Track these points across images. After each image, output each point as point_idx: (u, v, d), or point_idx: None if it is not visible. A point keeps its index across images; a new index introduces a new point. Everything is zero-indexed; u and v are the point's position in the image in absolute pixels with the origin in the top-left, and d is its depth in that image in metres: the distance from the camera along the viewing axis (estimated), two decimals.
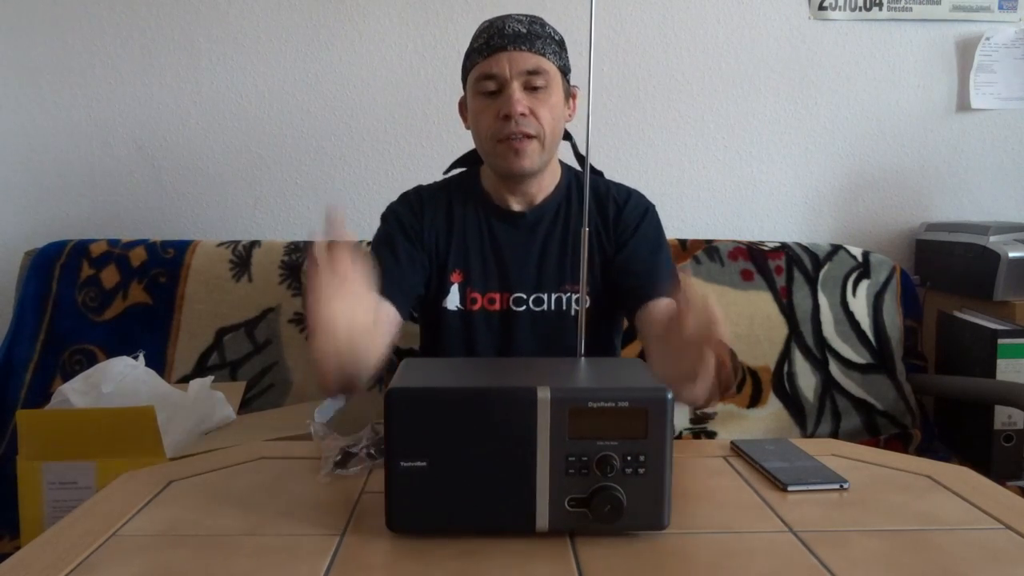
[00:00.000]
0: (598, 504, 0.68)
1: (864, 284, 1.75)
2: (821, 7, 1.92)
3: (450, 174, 1.36)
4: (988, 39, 1.94)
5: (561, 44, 1.23)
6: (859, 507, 0.78)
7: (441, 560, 0.67)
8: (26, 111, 1.88)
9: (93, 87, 1.88)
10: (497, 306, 1.26)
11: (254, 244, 1.73)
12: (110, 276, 1.68)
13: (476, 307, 1.26)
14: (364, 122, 1.91)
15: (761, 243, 1.78)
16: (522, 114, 1.16)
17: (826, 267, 1.75)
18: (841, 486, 0.83)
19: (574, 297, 1.26)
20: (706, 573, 0.65)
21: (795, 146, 1.97)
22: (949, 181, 2.00)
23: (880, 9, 1.92)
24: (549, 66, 1.19)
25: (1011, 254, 1.67)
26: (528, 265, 1.27)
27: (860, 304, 1.74)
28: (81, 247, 1.71)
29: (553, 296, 1.26)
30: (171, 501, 0.81)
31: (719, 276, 1.72)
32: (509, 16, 1.21)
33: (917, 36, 1.94)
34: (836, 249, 1.78)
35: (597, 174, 1.37)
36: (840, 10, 1.92)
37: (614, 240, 1.29)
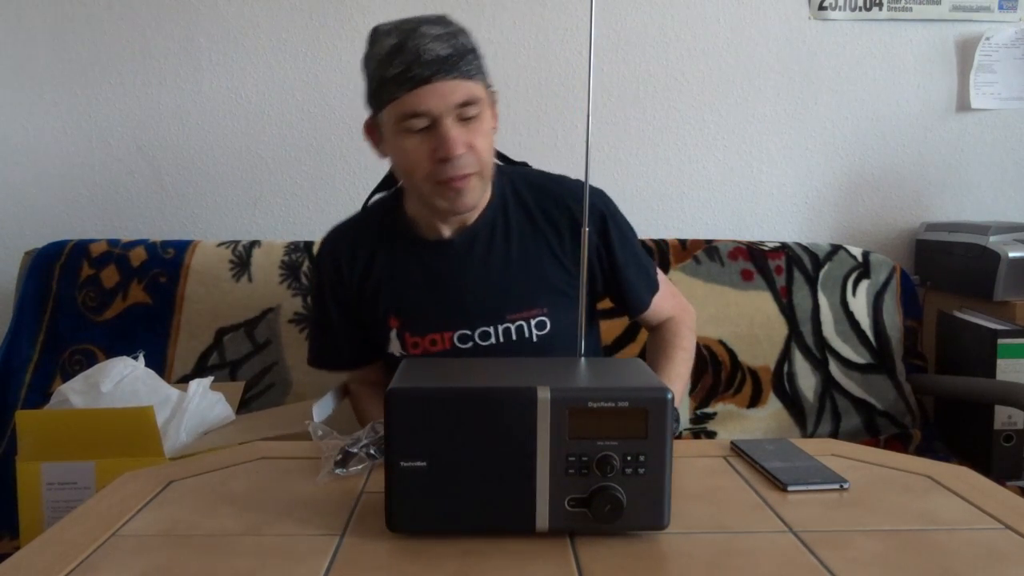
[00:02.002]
0: (598, 504, 0.68)
1: (864, 284, 1.75)
2: (821, 7, 1.92)
3: (371, 202, 1.27)
4: (988, 39, 1.94)
5: (478, 51, 1.09)
6: (859, 507, 0.78)
7: (441, 560, 0.67)
8: (26, 111, 1.88)
9: (93, 87, 1.88)
10: (440, 347, 1.16)
11: (254, 244, 1.73)
12: (110, 276, 1.68)
13: (418, 351, 1.16)
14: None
15: (761, 243, 1.78)
16: (462, 154, 1.05)
17: (826, 267, 1.75)
18: (841, 486, 0.82)
19: (532, 323, 1.15)
20: (706, 573, 0.65)
21: (795, 146, 1.97)
22: (949, 181, 1.99)
23: (880, 9, 1.92)
24: (479, 90, 1.07)
25: (1011, 254, 1.67)
26: (466, 297, 1.15)
27: (860, 304, 1.74)
28: (81, 247, 1.71)
29: (500, 328, 1.14)
30: (171, 501, 0.81)
31: (719, 276, 1.72)
32: (419, 31, 1.04)
33: (917, 36, 1.94)
34: (836, 249, 1.78)
35: (521, 165, 1.27)
36: (840, 10, 1.92)
37: (575, 251, 1.17)
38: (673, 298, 1.32)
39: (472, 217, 1.17)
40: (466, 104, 1.05)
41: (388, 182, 1.26)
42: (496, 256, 1.17)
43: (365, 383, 1.31)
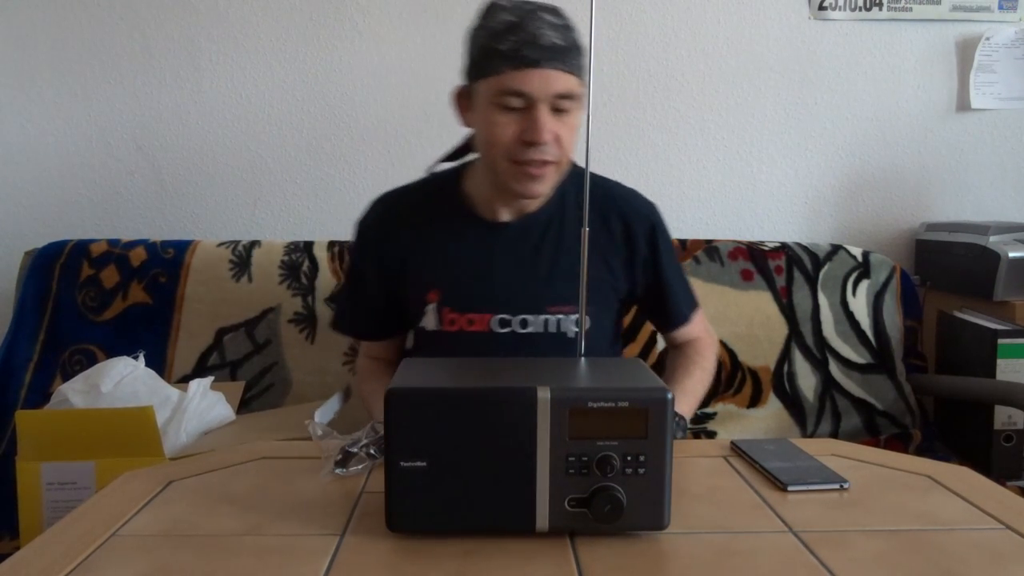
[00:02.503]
0: (598, 504, 0.68)
1: (864, 284, 1.75)
2: (821, 7, 1.92)
3: (432, 171, 1.27)
4: (988, 39, 1.94)
5: (583, 49, 1.11)
6: (859, 507, 0.78)
7: (441, 560, 0.67)
8: (26, 111, 1.88)
9: (93, 87, 1.88)
10: (477, 327, 1.16)
11: (254, 244, 1.73)
12: (110, 276, 1.68)
13: (454, 328, 1.17)
14: (364, 122, 1.91)
15: (761, 243, 1.78)
16: (548, 141, 1.07)
17: (826, 267, 1.75)
18: (841, 486, 0.83)
19: (571, 319, 1.16)
20: (706, 573, 0.65)
21: (795, 146, 1.97)
22: (949, 181, 1.99)
23: (880, 9, 1.92)
24: (578, 87, 1.08)
25: (1011, 254, 1.67)
26: (513, 282, 1.17)
27: (860, 304, 1.74)
28: (81, 247, 1.71)
29: (541, 318, 1.16)
30: (171, 501, 0.81)
31: (719, 276, 1.71)
32: (537, 14, 1.05)
33: (917, 36, 1.94)
34: (836, 249, 1.78)
35: (579, 168, 1.27)
36: (840, 10, 1.92)
37: (626, 260, 1.21)
38: (702, 321, 1.35)
39: (532, 207, 1.19)
40: (564, 97, 1.06)
41: (455, 155, 1.26)
42: (547, 248, 1.18)
43: (378, 359, 1.31)
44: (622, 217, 1.21)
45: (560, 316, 1.17)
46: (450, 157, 1.26)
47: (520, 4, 1.08)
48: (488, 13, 1.10)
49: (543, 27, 1.05)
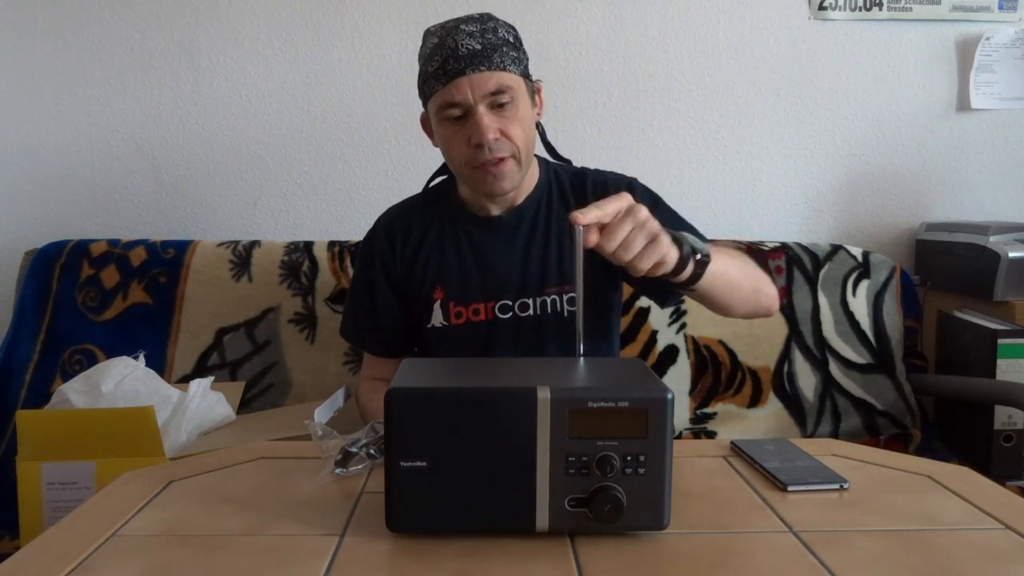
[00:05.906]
0: (598, 504, 0.68)
1: (864, 284, 1.75)
2: (821, 7, 1.92)
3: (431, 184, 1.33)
4: (988, 39, 1.94)
5: (516, 44, 1.16)
6: (859, 507, 0.78)
7: (441, 560, 0.67)
8: (26, 111, 1.88)
9: (93, 87, 1.88)
10: (482, 316, 1.23)
11: (254, 244, 1.73)
12: (110, 276, 1.68)
13: (461, 320, 1.24)
14: (364, 122, 1.91)
15: (761, 243, 1.78)
16: (495, 139, 1.12)
17: (826, 267, 1.75)
18: (841, 486, 0.83)
19: (565, 298, 1.22)
20: (706, 573, 0.65)
21: (795, 146, 1.97)
22: (949, 181, 1.99)
23: (880, 9, 1.92)
24: (512, 79, 1.13)
25: (1011, 254, 1.67)
26: (510, 270, 1.24)
27: (860, 304, 1.74)
28: (81, 247, 1.71)
29: (537, 300, 1.23)
30: (171, 501, 0.81)
31: None
32: (458, 29, 1.12)
33: (917, 36, 1.94)
34: (836, 249, 1.78)
35: (565, 162, 1.33)
36: (840, 10, 1.92)
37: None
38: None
39: (520, 198, 1.25)
40: (497, 92, 1.12)
41: (442, 171, 1.33)
42: (539, 234, 1.24)
43: (382, 380, 1.32)
44: (604, 190, 1.23)
45: (555, 296, 1.23)
46: (443, 170, 1.33)
47: (445, 23, 1.15)
48: (423, 41, 1.18)
49: (461, 38, 1.11)
